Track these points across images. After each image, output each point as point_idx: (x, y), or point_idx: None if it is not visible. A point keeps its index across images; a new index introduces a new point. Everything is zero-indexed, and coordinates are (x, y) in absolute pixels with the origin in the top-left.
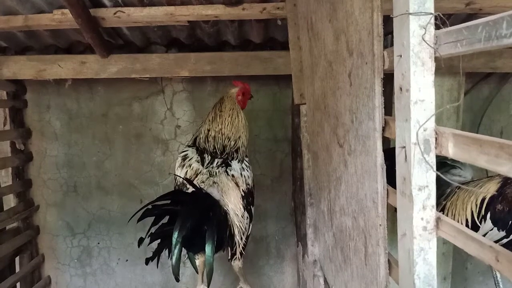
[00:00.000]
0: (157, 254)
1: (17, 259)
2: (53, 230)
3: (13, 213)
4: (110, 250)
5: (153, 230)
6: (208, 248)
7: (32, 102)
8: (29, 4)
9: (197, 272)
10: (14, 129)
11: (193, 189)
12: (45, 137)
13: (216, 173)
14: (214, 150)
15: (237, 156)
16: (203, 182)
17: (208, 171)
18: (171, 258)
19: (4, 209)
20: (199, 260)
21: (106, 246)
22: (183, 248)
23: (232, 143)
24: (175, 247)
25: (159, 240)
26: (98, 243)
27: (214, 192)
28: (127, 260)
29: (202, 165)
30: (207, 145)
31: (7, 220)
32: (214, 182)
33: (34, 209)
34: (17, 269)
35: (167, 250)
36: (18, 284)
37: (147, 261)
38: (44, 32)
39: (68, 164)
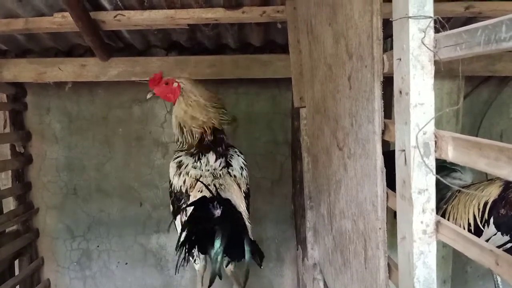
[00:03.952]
0: (184, 261)
1: (16, 262)
2: (52, 233)
3: (13, 216)
4: (110, 253)
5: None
6: (247, 255)
7: (32, 105)
8: (30, 7)
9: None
10: (14, 132)
11: (208, 195)
12: (45, 139)
13: (220, 175)
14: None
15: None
16: (215, 186)
17: (211, 173)
18: (216, 268)
19: (4, 212)
20: (199, 265)
21: (105, 249)
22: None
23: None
24: (217, 256)
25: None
26: (98, 246)
27: (229, 196)
28: (126, 263)
29: (201, 167)
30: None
31: (7, 223)
32: (220, 185)
33: (33, 212)
34: (17, 272)
35: (186, 254)
36: (17, 287)
37: (177, 270)
38: (44, 35)
39: (68, 167)
